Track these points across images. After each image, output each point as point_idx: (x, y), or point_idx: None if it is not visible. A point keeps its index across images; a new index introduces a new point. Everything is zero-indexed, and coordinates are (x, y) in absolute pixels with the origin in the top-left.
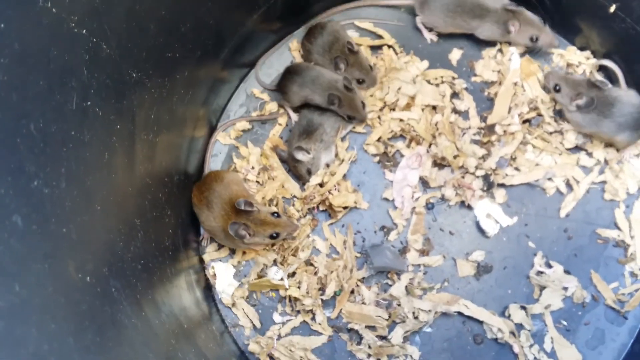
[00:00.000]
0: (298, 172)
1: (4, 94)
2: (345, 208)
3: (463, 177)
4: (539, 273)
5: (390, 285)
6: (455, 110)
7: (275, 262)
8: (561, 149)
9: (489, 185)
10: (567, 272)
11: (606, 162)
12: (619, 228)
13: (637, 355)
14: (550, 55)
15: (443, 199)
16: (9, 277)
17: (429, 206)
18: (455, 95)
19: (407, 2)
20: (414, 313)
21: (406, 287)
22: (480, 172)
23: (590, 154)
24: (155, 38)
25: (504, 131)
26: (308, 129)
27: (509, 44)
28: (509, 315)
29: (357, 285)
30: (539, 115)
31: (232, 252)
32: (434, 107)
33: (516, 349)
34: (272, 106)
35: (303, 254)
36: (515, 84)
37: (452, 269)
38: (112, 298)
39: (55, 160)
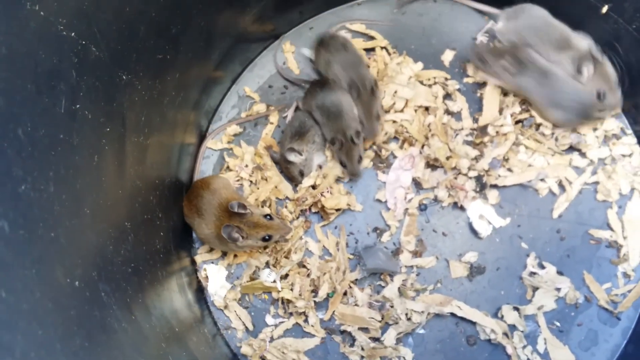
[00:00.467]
0: (290, 174)
1: None
2: (338, 210)
3: (456, 178)
4: (532, 274)
5: (383, 287)
6: (447, 112)
7: (267, 264)
8: (554, 149)
9: (481, 186)
10: (559, 273)
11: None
12: (611, 229)
13: (630, 357)
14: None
15: (436, 200)
16: None
17: (422, 207)
18: (447, 96)
19: (493, 10)
20: (407, 314)
21: (399, 288)
22: (472, 173)
23: (583, 154)
24: (145, 40)
25: (497, 132)
26: (300, 130)
27: None
28: (502, 316)
29: (350, 287)
30: (532, 116)
31: (224, 253)
32: (427, 108)
33: (509, 350)
34: (260, 107)
35: (296, 256)
36: None
37: (445, 270)
38: (101, 302)
39: (44, 164)
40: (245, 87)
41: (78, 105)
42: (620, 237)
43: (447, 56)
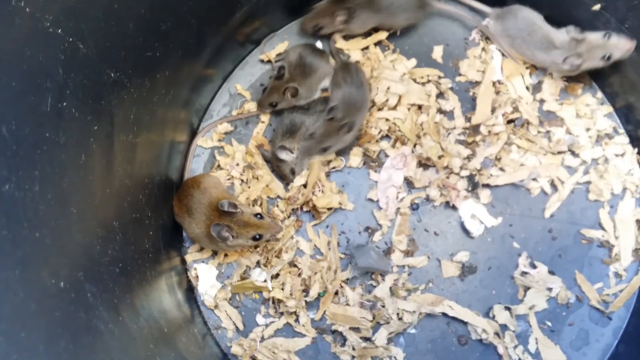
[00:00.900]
0: (282, 172)
1: None
2: (329, 209)
3: (448, 178)
4: (524, 273)
5: (375, 286)
6: (440, 110)
7: (258, 264)
8: (546, 149)
9: (473, 186)
10: (551, 272)
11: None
12: (603, 228)
13: (622, 356)
14: None
15: (428, 199)
16: None
17: (414, 207)
18: (440, 95)
19: (484, 9)
20: (398, 314)
21: (390, 288)
22: (465, 173)
23: (575, 154)
24: (134, 37)
25: (489, 131)
26: (291, 128)
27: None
28: (494, 316)
29: (341, 287)
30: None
31: (215, 253)
32: (420, 107)
33: (500, 350)
34: (251, 105)
35: (287, 255)
36: (500, 82)
37: (437, 270)
38: (87, 303)
39: (29, 163)
40: (236, 84)
41: (65, 103)
42: (612, 237)
43: (439, 52)
